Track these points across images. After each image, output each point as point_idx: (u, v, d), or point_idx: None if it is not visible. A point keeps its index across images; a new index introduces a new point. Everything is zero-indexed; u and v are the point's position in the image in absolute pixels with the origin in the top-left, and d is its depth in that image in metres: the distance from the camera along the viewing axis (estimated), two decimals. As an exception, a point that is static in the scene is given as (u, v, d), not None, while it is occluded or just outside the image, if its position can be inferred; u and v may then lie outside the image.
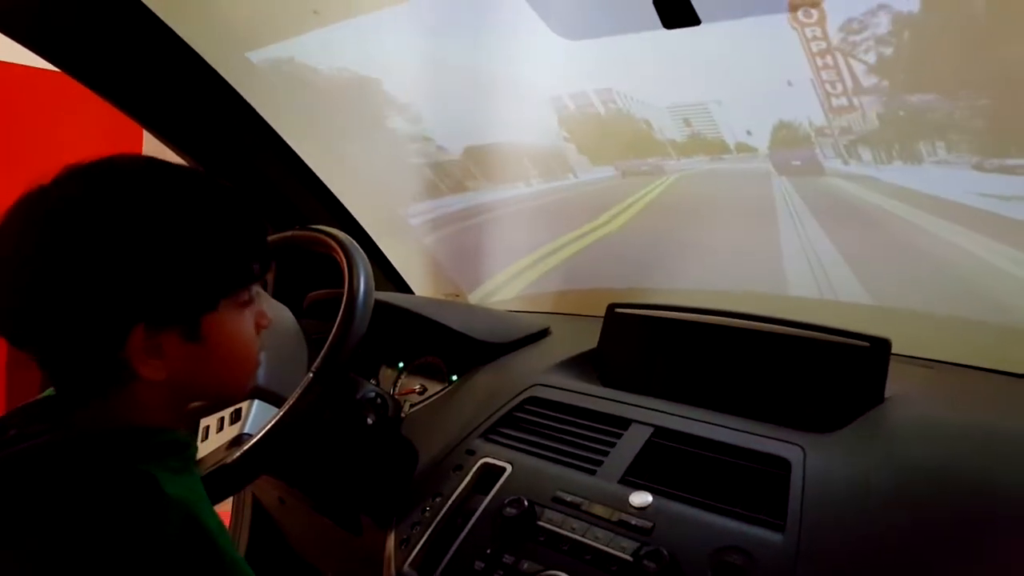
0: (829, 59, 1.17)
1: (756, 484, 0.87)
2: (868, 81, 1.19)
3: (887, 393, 0.96)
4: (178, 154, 1.46)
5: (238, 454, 0.93)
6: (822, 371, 1.00)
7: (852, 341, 0.99)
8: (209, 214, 0.67)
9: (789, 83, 1.24)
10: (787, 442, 0.89)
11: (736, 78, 1.31)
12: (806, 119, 1.29)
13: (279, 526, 1.52)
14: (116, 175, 0.65)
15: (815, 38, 1.15)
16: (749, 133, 1.38)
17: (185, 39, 1.26)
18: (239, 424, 0.96)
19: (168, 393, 0.68)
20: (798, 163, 1.35)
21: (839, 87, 1.20)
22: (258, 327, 0.75)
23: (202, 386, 0.71)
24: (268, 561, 1.57)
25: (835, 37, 1.16)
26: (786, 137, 1.34)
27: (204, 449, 0.98)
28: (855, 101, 1.22)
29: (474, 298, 1.91)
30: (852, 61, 1.15)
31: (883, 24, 1.14)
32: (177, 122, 1.38)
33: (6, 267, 0.62)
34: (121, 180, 0.65)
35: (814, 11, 1.14)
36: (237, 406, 0.99)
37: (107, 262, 0.61)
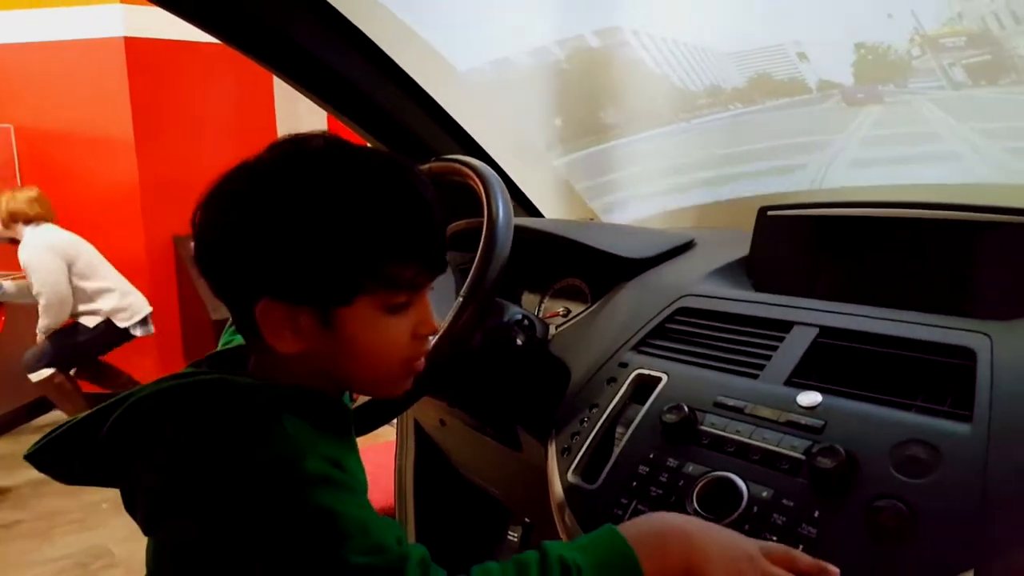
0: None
1: (937, 377, 0.82)
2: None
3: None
4: (304, 94, 1.49)
5: None
6: (1003, 256, 0.91)
7: (1039, 219, 0.89)
8: (362, 212, 0.67)
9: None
10: (969, 331, 0.83)
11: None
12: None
13: (441, 448, 1.59)
14: (292, 158, 0.69)
15: None
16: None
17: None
18: None
19: (312, 368, 0.71)
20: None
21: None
22: (417, 335, 0.73)
23: (344, 373, 0.73)
24: (433, 481, 1.66)
25: None
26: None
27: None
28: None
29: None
30: None
31: None
32: (299, 61, 1.40)
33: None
34: (290, 164, 0.69)
35: None
36: None
37: (245, 234, 0.67)
